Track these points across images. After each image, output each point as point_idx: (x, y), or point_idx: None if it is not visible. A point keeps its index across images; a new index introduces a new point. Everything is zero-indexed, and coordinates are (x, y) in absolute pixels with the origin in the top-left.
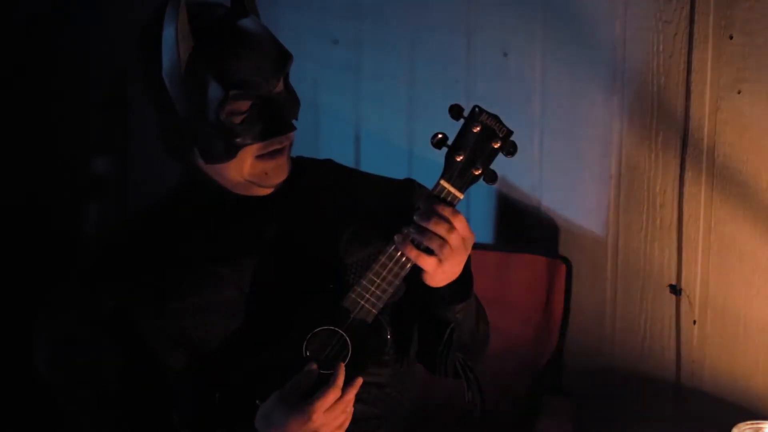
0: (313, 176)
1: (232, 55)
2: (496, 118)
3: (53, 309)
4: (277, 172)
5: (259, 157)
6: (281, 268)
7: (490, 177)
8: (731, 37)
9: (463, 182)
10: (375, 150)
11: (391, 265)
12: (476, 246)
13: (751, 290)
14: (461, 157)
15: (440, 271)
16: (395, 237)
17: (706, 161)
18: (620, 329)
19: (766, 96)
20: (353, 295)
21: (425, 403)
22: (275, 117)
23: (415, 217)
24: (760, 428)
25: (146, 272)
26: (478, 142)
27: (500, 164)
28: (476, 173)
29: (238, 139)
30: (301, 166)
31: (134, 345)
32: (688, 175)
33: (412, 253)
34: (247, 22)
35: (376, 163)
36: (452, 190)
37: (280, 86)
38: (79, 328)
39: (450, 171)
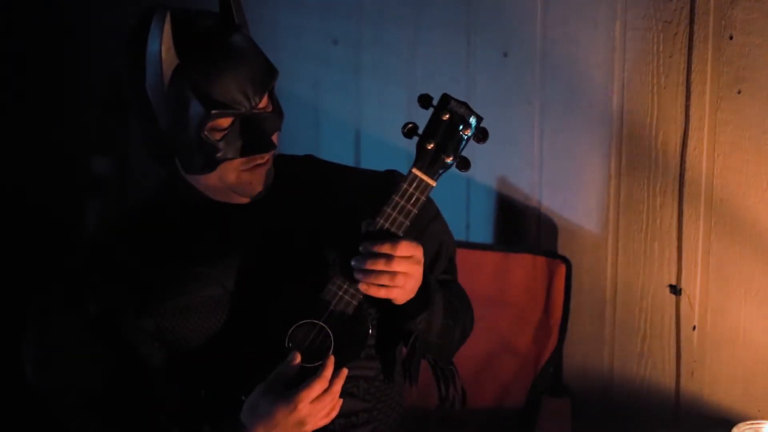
0: (294, 173)
1: (216, 73)
2: (465, 105)
3: (39, 312)
4: (260, 182)
5: (243, 171)
6: (264, 265)
7: (463, 164)
8: (731, 37)
9: (435, 170)
10: (375, 150)
11: None
12: (476, 246)
13: (751, 290)
14: (432, 146)
15: (397, 294)
16: (352, 262)
17: (706, 161)
18: (620, 329)
19: (766, 96)
20: (332, 287)
21: (423, 405)
22: (256, 134)
23: (353, 262)
24: (760, 428)
25: (129, 273)
26: (448, 129)
27: (500, 164)
28: (447, 160)
29: (218, 154)
30: (281, 165)
31: (120, 346)
32: (687, 174)
33: (363, 287)
34: (234, 38)
35: (376, 163)
36: (425, 178)
37: (264, 101)
38: (64, 332)
39: (421, 159)
